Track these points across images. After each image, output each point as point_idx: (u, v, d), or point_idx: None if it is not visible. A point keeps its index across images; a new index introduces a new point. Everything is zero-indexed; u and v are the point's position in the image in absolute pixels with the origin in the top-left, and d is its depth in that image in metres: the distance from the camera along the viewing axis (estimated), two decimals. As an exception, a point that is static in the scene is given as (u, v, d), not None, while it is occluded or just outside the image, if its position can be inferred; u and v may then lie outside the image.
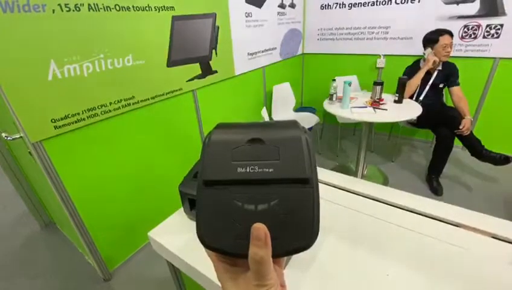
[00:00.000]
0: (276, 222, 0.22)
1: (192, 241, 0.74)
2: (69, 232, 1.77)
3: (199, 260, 0.66)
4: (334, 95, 2.13)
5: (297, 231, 0.23)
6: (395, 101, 2.04)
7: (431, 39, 2.07)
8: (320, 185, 0.95)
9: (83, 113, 1.26)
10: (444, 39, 1.99)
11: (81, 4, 1.16)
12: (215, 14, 1.87)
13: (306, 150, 0.24)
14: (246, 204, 0.23)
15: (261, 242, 0.21)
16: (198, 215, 0.24)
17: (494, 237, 0.67)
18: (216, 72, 2.00)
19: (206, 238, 0.23)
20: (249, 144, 0.24)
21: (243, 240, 0.22)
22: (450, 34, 2.01)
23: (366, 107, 1.97)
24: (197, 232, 0.23)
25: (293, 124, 0.25)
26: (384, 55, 2.76)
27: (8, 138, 1.15)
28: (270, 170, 0.23)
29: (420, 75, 2.10)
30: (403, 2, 2.49)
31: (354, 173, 2.30)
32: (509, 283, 0.56)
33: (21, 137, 1.13)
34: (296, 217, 0.23)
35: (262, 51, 2.51)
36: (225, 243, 0.23)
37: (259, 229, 0.21)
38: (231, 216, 0.23)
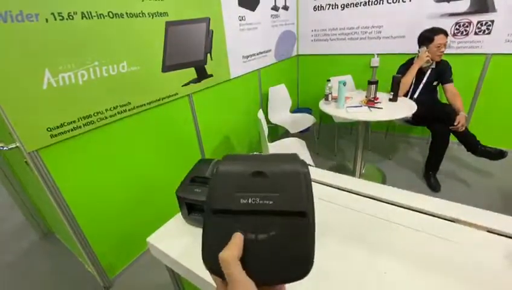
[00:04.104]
0: (274, 251, 0.24)
1: (191, 245, 0.74)
2: (68, 241, 1.76)
3: (198, 265, 0.66)
4: (330, 95, 2.14)
5: (293, 261, 0.24)
6: (390, 100, 2.06)
7: (426, 38, 2.07)
8: (318, 185, 0.95)
9: (78, 121, 1.26)
10: (439, 39, 2.00)
11: (74, 12, 1.16)
12: (209, 19, 1.88)
13: (304, 184, 0.25)
14: (248, 233, 0.24)
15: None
16: (204, 241, 0.25)
17: (490, 231, 0.68)
18: (211, 76, 2.01)
19: (209, 262, 0.25)
20: (253, 177, 0.25)
21: (243, 265, 0.23)
22: (445, 33, 2.02)
23: (361, 106, 1.99)
24: (202, 256, 0.25)
25: (293, 159, 0.27)
26: (378, 54, 2.79)
27: (4, 148, 1.15)
28: (270, 202, 0.24)
29: (413, 71, 2.11)
30: (394, 1, 2.52)
31: (351, 172, 2.31)
32: (505, 276, 0.57)
33: (17, 147, 1.12)
34: (292, 248, 0.24)
35: (257, 54, 2.53)
36: None
37: (236, 235, 0.24)
38: None
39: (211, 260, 0.25)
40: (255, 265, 0.23)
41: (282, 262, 0.24)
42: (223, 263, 0.23)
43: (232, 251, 0.23)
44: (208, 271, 0.26)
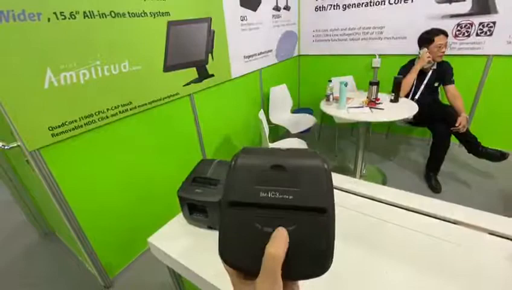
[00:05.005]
0: (293, 246, 0.23)
1: (192, 245, 0.74)
2: (69, 240, 1.76)
3: (199, 265, 0.66)
4: (331, 96, 2.14)
5: (311, 258, 0.24)
6: (391, 101, 2.05)
7: (426, 39, 2.08)
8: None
9: (80, 120, 1.26)
10: (439, 39, 2.01)
11: (76, 12, 1.17)
12: (211, 19, 1.88)
13: (325, 180, 0.24)
14: (265, 227, 0.24)
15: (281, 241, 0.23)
16: (220, 233, 0.25)
17: (491, 233, 0.68)
18: (213, 75, 2.01)
19: (227, 255, 0.25)
20: (272, 170, 0.25)
21: (260, 259, 0.23)
22: (445, 34, 2.03)
23: (362, 107, 1.98)
24: (219, 249, 0.25)
25: (314, 154, 0.27)
26: (379, 55, 2.78)
27: (5, 147, 1.15)
28: (290, 197, 0.24)
29: (414, 72, 2.11)
30: (396, 2, 2.52)
31: (352, 173, 2.31)
32: (506, 277, 0.57)
33: (18, 146, 1.12)
34: (311, 244, 0.24)
35: (258, 54, 2.53)
36: (243, 261, 0.24)
37: (281, 231, 0.23)
38: (250, 237, 0.24)
39: (230, 254, 0.25)
40: None
41: (301, 258, 0.24)
42: (272, 259, 0.22)
43: (281, 247, 0.22)
44: (223, 265, 0.25)
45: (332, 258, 0.24)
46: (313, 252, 0.24)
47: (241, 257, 0.24)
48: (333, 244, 0.24)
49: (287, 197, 0.24)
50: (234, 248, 0.24)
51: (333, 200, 0.24)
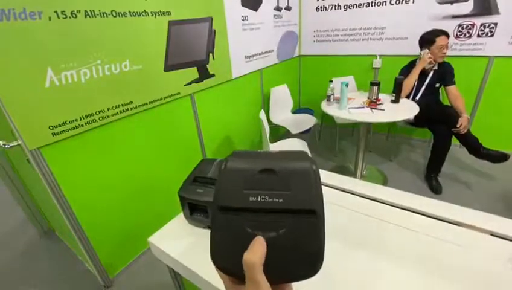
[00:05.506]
0: (283, 249, 0.24)
1: (192, 245, 0.74)
2: (69, 239, 1.76)
3: (200, 265, 0.66)
4: (332, 96, 2.14)
5: (302, 260, 0.24)
6: (392, 101, 2.05)
7: (427, 40, 2.08)
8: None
9: (80, 119, 1.26)
10: (440, 40, 2.01)
11: (77, 11, 1.17)
12: (212, 18, 1.88)
13: (314, 182, 0.25)
14: (256, 231, 0.24)
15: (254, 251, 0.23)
16: (212, 238, 0.25)
17: (493, 234, 0.68)
18: (213, 75, 2.01)
19: (218, 259, 0.25)
20: (261, 174, 0.25)
21: None
22: (446, 34, 2.03)
23: (363, 107, 1.98)
24: (211, 254, 0.25)
25: (302, 156, 0.26)
26: (380, 56, 2.78)
27: (6, 146, 1.15)
28: (280, 200, 0.24)
29: (415, 73, 2.11)
30: (397, 2, 2.51)
31: (353, 174, 2.31)
32: (508, 279, 0.57)
33: (19, 145, 1.12)
34: (302, 246, 0.24)
35: (259, 54, 2.52)
36: (234, 265, 0.24)
37: (259, 239, 0.23)
38: (241, 241, 0.24)
39: (221, 259, 0.25)
40: (265, 263, 0.23)
41: (292, 260, 0.24)
42: (248, 266, 0.22)
43: (258, 255, 0.23)
44: (216, 269, 0.25)
45: (323, 259, 0.24)
46: (304, 253, 0.24)
47: (232, 262, 0.24)
48: (323, 245, 0.24)
49: (277, 200, 0.24)
50: (225, 252, 0.24)
51: (322, 201, 0.25)
